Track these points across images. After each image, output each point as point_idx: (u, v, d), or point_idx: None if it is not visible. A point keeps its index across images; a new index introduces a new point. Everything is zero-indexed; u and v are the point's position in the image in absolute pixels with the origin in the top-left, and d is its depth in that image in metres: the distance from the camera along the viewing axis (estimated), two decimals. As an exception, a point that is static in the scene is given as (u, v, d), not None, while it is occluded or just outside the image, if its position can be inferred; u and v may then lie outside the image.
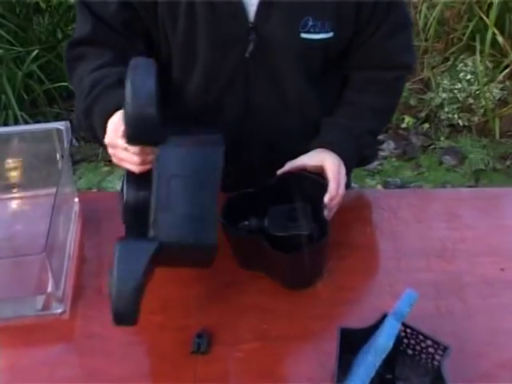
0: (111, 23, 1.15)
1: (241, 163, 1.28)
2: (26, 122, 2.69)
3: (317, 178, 1.15)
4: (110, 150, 1.07)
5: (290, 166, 1.17)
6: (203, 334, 1.04)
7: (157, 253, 0.93)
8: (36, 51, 2.81)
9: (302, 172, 1.16)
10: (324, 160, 1.17)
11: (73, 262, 1.18)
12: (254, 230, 1.12)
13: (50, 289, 1.06)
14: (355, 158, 1.25)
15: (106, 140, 1.06)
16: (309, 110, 1.26)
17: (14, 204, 1.31)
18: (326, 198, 1.11)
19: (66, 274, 1.13)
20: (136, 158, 1.01)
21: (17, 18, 2.87)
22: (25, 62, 2.79)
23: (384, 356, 0.82)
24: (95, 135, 1.13)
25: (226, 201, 1.13)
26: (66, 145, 1.21)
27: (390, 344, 0.81)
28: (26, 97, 2.79)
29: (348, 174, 1.22)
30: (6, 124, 2.66)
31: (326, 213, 1.11)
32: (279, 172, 1.17)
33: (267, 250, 1.06)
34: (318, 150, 1.21)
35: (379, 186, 2.64)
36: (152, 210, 0.96)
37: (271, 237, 1.09)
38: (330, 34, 1.16)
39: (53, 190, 1.12)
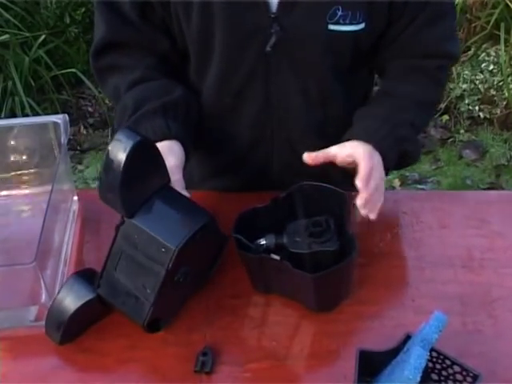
0: (128, 17, 1.11)
1: (257, 160, 1.22)
2: (33, 109, 2.64)
3: (335, 188, 1.05)
4: None
5: (318, 155, 1.05)
6: (208, 351, 0.95)
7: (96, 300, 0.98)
8: (43, 36, 2.75)
9: (319, 184, 1.05)
10: (355, 148, 1.05)
11: (70, 267, 1.10)
12: (271, 248, 1.02)
13: (43, 299, 0.99)
14: (394, 151, 1.11)
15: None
16: (332, 108, 1.18)
17: (8, 202, 1.23)
18: (359, 182, 1.00)
19: (61, 281, 1.05)
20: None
21: (24, 2, 2.80)
22: (32, 48, 2.74)
23: (410, 391, 0.73)
24: None
25: (237, 217, 1.03)
26: (63, 139, 1.13)
27: (418, 379, 0.73)
28: (33, 83, 2.73)
29: (387, 169, 1.10)
30: (12, 111, 2.60)
31: (363, 212, 1.01)
32: (305, 156, 1.05)
33: (288, 271, 0.96)
34: (350, 141, 1.09)
35: (396, 181, 2.56)
36: (103, 262, 0.98)
37: (290, 256, 0.99)
38: (362, 26, 1.07)
39: (49, 188, 1.04)
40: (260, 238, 1.03)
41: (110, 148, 0.90)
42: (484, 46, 2.97)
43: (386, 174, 1.11)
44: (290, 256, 0.99)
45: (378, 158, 1.07)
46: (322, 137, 1.15)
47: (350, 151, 1.05)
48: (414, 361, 0.73)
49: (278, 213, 1.05)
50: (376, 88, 1.28)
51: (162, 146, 1.02)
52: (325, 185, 1.05)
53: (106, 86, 1.18)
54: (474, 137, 2.76)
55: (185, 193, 1.02)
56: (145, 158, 0.93)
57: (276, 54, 1.08)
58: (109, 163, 0.90)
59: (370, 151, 1.06)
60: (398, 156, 1.13)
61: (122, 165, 0.89)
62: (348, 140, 1.08)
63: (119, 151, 0.89)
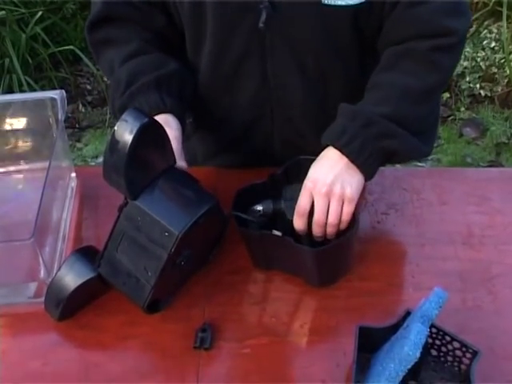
0: None
1: (259, 137, 1.21)
2: (31, 87, 2.61)
3: None
4: None
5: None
6: (207, 327, 0.95)
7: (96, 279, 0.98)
8: (40, 13, 2.71)
9: (315, 157, 1.02)
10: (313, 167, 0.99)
11: (68, 244, 1.10)
12: (268, 214, 1.01)
13: (42, 275, 0.98)
14: (368, 151, 0.99)
15: None
16: (332, 86, 1.14)
17: (6, 179, 1.22)
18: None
19: (60, 257, 1.05)
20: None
21: (20, -23, 2.75)
22: (29, 24, 2.70)
23: (409, 367, 0.73)
24: None
25: (235, 194, 1.02)
26: (60, 115, 1.11)
27: (418, 355, 0.72)
28: (30, 61, 2.70)
29: (367, 172, 1.00)
30: (10, 89, 2.58)
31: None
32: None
33: (290, 246, 0.96)
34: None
35: (396, 159, 2.53)
36: (105, 242, 0.97)
37: (287, 225, 0.99)
38: (358, 0, 1.01)
39: (47, 165, 1.03)
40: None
41: (116, 128, 0.89)
42: (486, 22, 2.93)
43: (370, 178, 1.02)
44: (287, 225, 0.98)
45: (332, 174, 0.97)
46: (322, 114, 1.13)
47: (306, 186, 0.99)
48: (413, 337, 0.73)
49: (276, 188, 1.04)
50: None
51: (158, 119, 1.01)
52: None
53: (101, 59, 1.16)
54: (474, 115, 2.73)
55: (183, 163, 1.01)
56: (151, 139, 0.92)
57: (270, 31, 1.05)
58: (114, 144, 0.89)
59: (318, 172, 0.98)
60: (383, 154, 1.01)
61: (127, 146, 0.87)
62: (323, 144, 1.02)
63: (125, 132, 0.88)
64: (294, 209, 0.99)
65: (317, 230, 0.98)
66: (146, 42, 1.13)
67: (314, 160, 1.01)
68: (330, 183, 0.96)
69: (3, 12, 2.61)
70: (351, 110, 1.03)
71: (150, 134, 0.91)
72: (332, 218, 0.97)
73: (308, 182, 0.98)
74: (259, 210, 1.02)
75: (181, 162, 1.00)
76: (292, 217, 0.99)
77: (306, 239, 0.99)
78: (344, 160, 0.98)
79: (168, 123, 1.03)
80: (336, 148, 0.99)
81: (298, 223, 0.99)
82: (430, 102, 1.07)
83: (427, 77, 1.05)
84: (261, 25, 1.03)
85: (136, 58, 1.11)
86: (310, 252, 0.96)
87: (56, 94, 1.12)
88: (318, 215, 0.97)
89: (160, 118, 1.02)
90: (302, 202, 0.98)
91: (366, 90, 1.08)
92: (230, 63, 1.11)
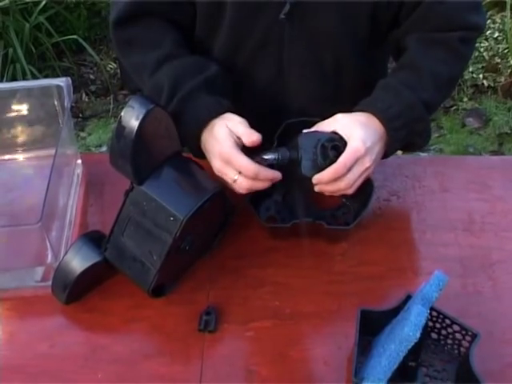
0: None
1: (271, 128, 1.18)
2: (35, 76, 2.62)
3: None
4: (217, 162, 0.99)
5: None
6: (211, 310, 0.97)
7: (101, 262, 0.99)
8: (44, 2, 2.71)
9: (309, 119, 1.04)
10: (352, 128, 0.98)
11: (74, 230, 1.11)
12: (283, 163, 0.98)
13: (49, 260, 1.00)
14: (402, 134, 1.03)
15: (220, 150, 0.98)
16: (348, 80, 1.15)
17: (13, 166, 1.23)
18: (336, 166, 0.95)
19: (66, 242, 1.06)
20: (245, 184, 0.97)
21: (23, -34, 2.75)
22: (32, 14, 2.70)
23: (410, 347, 0.74)
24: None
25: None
26: (66, 102, 1.12)
27: (418, 335, 0.74)
28: (34, 50, 2.71)
29: (386, 152, 1.04)
30: (14, 78, 2.59)
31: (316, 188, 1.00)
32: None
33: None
34: (354, 113, 1.03)
35: (398, 148, 2.54)
36: (111, 226, 0.98)
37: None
38: None
39: (54, 152, 1.04)
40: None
41: (122, 114, 0.90)
42: (489, 12, 2.93)
43: (386, 157, 1.06)
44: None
45: (373, 142, 0.99)
46: (334, 105, 1.09)
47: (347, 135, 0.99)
48: (414, 318, 0.74)
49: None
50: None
51: (219, 119, 1.01)
52: (316, 119, 1.04)
53: (128, 59, 1.14)
54: (477, 105, 2.74)
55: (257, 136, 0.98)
56: (157, 125, 0.93)
57: (290, 23, 1.05)
58: (121, 130, 0.90)
59: (364, 136, 0.98)
60: (411, 137, 1.06)
61: (134, 132, 0.89)
62: (360, 111, 1.03)
63: (132, 118, 0.89)
64: (310, 161, 0.97)
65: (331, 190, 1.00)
66: (177, 43, 1.11)
67: (305, 122, 1.03)
68: (370, 154, 0.98)
69: (7, 1, 2.62)
70: (394, 87, 1.04)
71: (156, 121, 0.92)
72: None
73: (358, 148, 0.96)
74: (270, 159, 0.98)
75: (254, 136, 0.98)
76: (308, 171, 0.97)
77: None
78: (383, 132, 1.01)
79: (230, 118, 1.02)
80: (379, 119, 1.01)
81: (325, 179, 0.97)
82: (451, 91, 1.14)
83: (455, 66, 1.10)
84: (282, 16, 1.04)
85: (172, 60, 1.08)
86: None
87: (62, 81, 1.13)
88: (349, 180, 0.98)
89: (221, 119, 1.02)
90: (348, 164, 0.96)
91: (397, 68, 1.10)
92: (245, 54, 1.12)
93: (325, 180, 0.97)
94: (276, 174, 0.99)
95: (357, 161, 0.97)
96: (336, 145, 0.96)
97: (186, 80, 1.06)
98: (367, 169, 0.99)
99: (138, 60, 1.12)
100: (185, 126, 1.02)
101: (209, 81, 1.07)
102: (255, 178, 0.96)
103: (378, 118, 1.01)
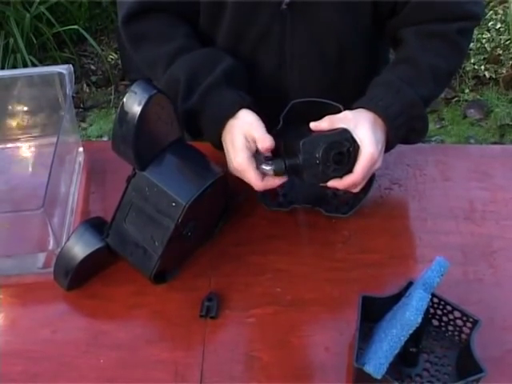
0: None
1: (277, 114, 1.18)
2: (35, 67, 2.60)
3: (330, 102, 1.04)
4: (232, 165, 1.01)
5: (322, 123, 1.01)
6: (213, 296, 0.97)
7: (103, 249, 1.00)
8: (45, -8, 2.70)
9: (313, 99, 1.05)
10: (362, 128, 0.98)
11: (76, 217, 1.11)
12: (284, 171, 0.99)
13: (51, 246, 1.00)
14: (402, 132, 1.04)
15: (236, 160, 0.99)
16: (350, 71, 1.15)
17: (15, 153, 1.23)
18: (359, 168, 0.97)
19: (68, 229, 1.06)
20: (259, 184, 0.99)
21: (24, -44, 2.75)
22: (33, 4, 2.69)
23: (411, 332, 0.75)
24: (198, 134, 1.08)
25: None
26: (68, 90, 1.12)
27: (419, 320, 0.74)
28: (35, 40, 2.70)
29: (388, 148, 1.05)
30: (14, 68, 2.58)
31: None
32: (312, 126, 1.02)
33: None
34: (359, 110, 1.02)
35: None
36: (113, 212, 0.99)
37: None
38: None
39: (55, 139, 1.04)
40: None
41: (124, 100, 0.90)
42: (491, 3, 2.92)
43: (384, 152, 1.04)
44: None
45: (382, 144, 1.01)
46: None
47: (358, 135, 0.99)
48: (415, 303, 0.75)
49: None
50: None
51: (242, 113, 1.02)
52: (319, 99, 1.04)
53: (140, 54, 1.14)
54: (478, 96, 2.73)
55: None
56: (159, 111, 0.93)
57: (292, 13, 1.05)
58: (123, 115, 0.90)
59: (376, 140, 0.98)
60: (409, 133, 1.07)
61: (136, 117, 0.89)
62: (359, 108, 1.02)
63: (134, 103, 0.89)
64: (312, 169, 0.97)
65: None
66: (189, 35, 1.11)
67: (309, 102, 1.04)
68: (381, 156, 1.00)
69: (7, -9, 2.62)
70: (394, 84, 1.03)
71: (159, 106, 0.92)
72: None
73: (373, 155, 0.97)
74: (267, 169, 0.99)
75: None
76: (310, 180, 0.99)
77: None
78: (385, 131, 1.01)
79: (246, 121, 1.02)
80: (380, 117, 1.01)
81: (341, 187, 0.99)
82: (447, 84, 1.13)
83: (452, 59, 1.09)
84: (284, 6, 1.04)
85: (185, 53, 1.08)
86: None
87: (64, 68, 1.13)
88: (361, 184, 1.01)
89: (238, 120, 1.02)
90: (365, 173, 0.98)
91: (395, 62, 1.10)
92: (247, 44, 1.12)
93: (341, 188, 1.00)
94: (283, 180, 1.01)
95: (372, 167, 0.99)
96: (341, 151, 0.97)
97: (203, 73, 1.05)
98: (376, 169, 1.02)
99: (151, 54, 1.12)
100: (207, 121, 1.03)
101: (227, 74, 1.06)
102: (264, 189, 1.00)
103: (380, 117, 1.01)
